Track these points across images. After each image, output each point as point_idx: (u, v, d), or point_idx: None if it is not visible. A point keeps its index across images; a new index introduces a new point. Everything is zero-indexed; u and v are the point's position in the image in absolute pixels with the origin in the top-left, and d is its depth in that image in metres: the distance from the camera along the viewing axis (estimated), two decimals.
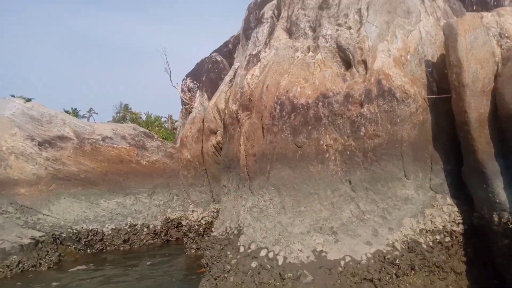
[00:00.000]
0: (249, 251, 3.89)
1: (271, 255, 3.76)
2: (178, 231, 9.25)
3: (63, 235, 7.98)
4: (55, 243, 7.78)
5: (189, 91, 15.15)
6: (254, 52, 5.55)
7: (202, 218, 7.12)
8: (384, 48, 4.29)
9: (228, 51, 14.77)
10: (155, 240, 8.67)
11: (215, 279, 3.84)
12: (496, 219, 3.50)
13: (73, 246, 8.04)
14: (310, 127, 4.27)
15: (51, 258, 7.12)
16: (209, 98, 12.79)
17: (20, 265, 6.65)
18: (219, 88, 7.52)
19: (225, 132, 5.64)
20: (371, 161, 4.04)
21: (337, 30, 4.61)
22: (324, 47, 4.61)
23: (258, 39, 5.70)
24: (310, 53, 4.65)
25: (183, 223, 7.18)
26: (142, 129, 10.53)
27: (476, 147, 3.61)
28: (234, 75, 6.62)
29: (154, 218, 8.85)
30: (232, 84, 6.87)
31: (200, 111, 13.12)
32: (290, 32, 5.02)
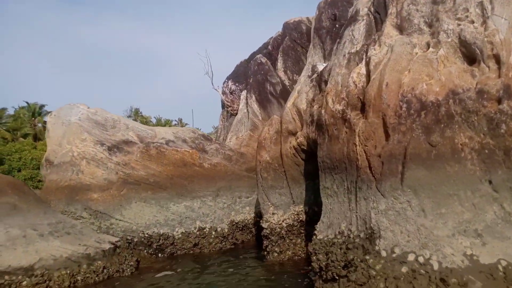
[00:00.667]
0: (394, 255, 3.73)
1: (421, 259, 3.60)
2: (242, 234, 9.17)
3: (135, 240, 7.93)
4: (129, 248, 7.74)
5: (231, 93, 15.08)
6: (353, 50, 5.40)
7: (283, 221, 6.98)
8: None
9: (268, 52, 14.69)
10: (223, 243, 8.57)
11: (360, 285, 3.69)
12: None
13: (145, 251, 7.99)
14: (442, 125, 4.10)
15: (130, 263, 7.05)
16: (257, 100, 12.75)
17: (105, 270, 6.59)
18: (295, 89, 7.38)
19: (322, 133, 5.50)
20: None
21: (459, 24, 4.45)
22: (445, 42, 4.45)
23: (354, 37, 5.54)
24: (431, 49, 4.49)
25: (263, 226, 7.04)
26: (201, 132, 10.47)
27: None
28: (319, 75, 6.48)
29: (221, 221, 8.75)
30: (316, 84, 6.74)
31: (245, 113, 13.09)
32: (401, 29, 4.86)
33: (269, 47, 15.44)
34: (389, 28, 4.92)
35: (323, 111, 5.50)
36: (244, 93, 13.59)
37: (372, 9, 5.60)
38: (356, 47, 5.44)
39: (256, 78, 12.92)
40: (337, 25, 7.35)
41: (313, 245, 5.18)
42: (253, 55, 15.62)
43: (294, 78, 13.79)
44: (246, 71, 15.61)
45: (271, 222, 7.00)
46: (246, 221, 9.15)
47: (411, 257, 3.67)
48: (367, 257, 3.89)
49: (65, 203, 7.58)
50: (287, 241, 7.01)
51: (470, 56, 4.46)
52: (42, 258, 6.12)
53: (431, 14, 4.71)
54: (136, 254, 7.60)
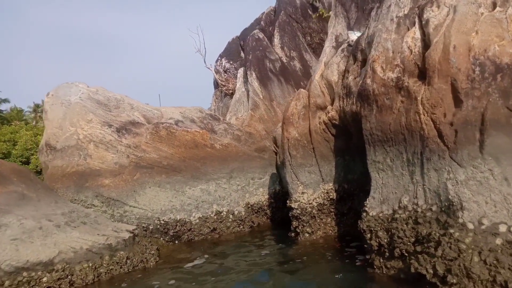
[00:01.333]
0: (483, 227, 3.50)
1: None
2: (257, 216, 8.84)
3: (151, 227, 7.42)
4: (146, 236, 7.24)
5: (225, 72, 14.49)
6: (401, 14, 5.05)
7: (313, 200, 6.68)
8: None
9: (261, 28, 14.10)
10: (241, 227, 8.21)
11: (450, 260, 3.45)
12: None
13: (161, 238, 7.51)
14: None
15: (151, 252, 6.56)
16: (257, 78, 12.23)
17: (129, 261, 6.07)
18: (320, 61, 6.97)
19: (367, 105, 5.17)
20: None
21: None
22: None
23: (400, 0, 5.20)
24: (498, 8, 4.23)
25: (293, 206, 6.71)
26: (208, 111, 9.91)
27: None
28: (355, 44, 6.11)
29: (237, 204, 8.37)
30: (348, 54, 6.37)
31: (243, 91, 12.57)
32: None
33: (262, 23, 14.86)
34: None
35: (368, 81, 5.15)
36: (240, 71, 13.04)
37: None
38: (404, 11, 5.09)
39: (255, 55, 12.38)
40: None
41: (366, 222, 4.91)
42: (245, 31, 15.00)
43: (291, 54, 13.37)
44: (239, 48, 15.02)
45: (301, 202, 6.68)
46: (260, 203, 8.80)
47: (502, 228, 3.45)
48: (451, 230, 3.64)
49: (74, 191, 6.92)
50: (318, 220, 6.73)
51: None
52: (61, 251, 5.53)
53: None
54: (154, 242, 7.12)
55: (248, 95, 12.25)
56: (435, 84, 4.28)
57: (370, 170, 5.16)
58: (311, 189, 6.72)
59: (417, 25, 4.82)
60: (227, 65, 14.13)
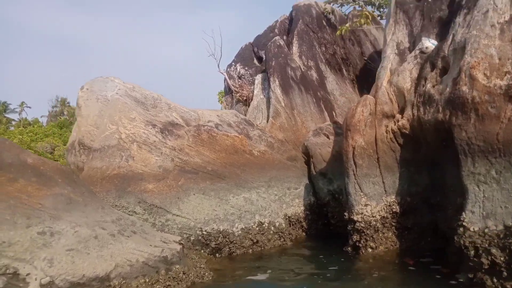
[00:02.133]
0: None
1: None
2: (294, 229, 8.35)
3: (192, 238, 6.76)
4: (189, 248, 6.57)
5: (239, 78, 14.02)
6: (502, 20, 4.86)
7: (377, 212, 6.31)
8: None
9: (274, 37, 13.82)
10: (282, 240, 7.69)
11: None
12: None
13: (202, 250, 6.86)
14: None
15: (202, 266, 5.91)
16: (280, 85, 11.86)
17: (185, 276, 5.41)
18: (385, 67, 6.67)
19: (462, 113, 4.90)
20: None
21: None
22: None
23: (497, 6, 5.01)
24: None
25: (355, 218, 6.30)
26: (242, 116, 9.39)
27: None
28: (435, 52, 5.87)
29: (277, 215, 7.85)
30: (422, 62, 6.12)
31: (262, 98, 12.16)
32: None
33: (276, 30, 14.61)
34: None
35: (464, 88, 4.89)
36: (258, 77, 12.62)
37: None
38: (505, 17, 4.90)
39: (278, 61, 12.00)
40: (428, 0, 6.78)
41: (468, 238, 4.58)
42: (259, 38, 14.68)
43: (309, 63, 13.10)
44: (252, 55, 14.62)
45: (365, 214, 6.28)
46: (297, 214, 8.34)
47: None
48: None
49: (115, 196, 6.16)
50: (380, 234, 6.35)
51: None
52: (118, 264, 4.82)
53: None
54: (199, 255, 6.47)
55: (267, 102, 11.85)
56: None
57: (467, 183, 4.85)
58: (374, 201, 6.35)
59: None
60: (242, 71, 13.67)
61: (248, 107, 12.72)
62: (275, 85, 11.68)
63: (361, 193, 6.35)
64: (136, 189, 6.33)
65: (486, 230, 4.47)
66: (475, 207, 4.71)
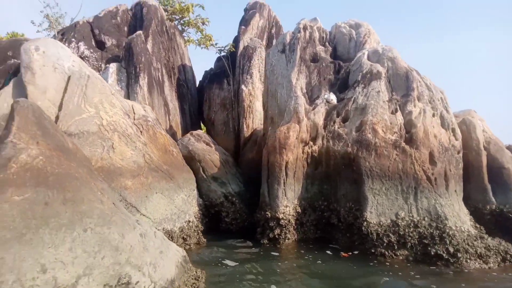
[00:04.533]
0: (458, 227, 7.10)
1: None
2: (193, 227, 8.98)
3: None
4: None
5: (81, 59, 12.47)
6: (386, 99, 8.26)
7: (292, 212, 8.38)
8: None
9: (116, 24, 13.46)
10: (198, 238, 8.30)
11: (454, 244, 6.78)
12: None
13: None
14: None
15: None
16: (147, 84, 11.68)
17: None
18: (300, 104, 8.90)
19: (367, 150, 7.89)
20: None
21: None
22: None
23: (382, 89, 8.40)
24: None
25: (280, 216, 8.09)
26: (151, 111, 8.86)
27: None
28: (343, 105, 8.71)
29: (189, 215, 8.37)
30: (328, 108, 8.81)
31: (118, 90, 11.58)
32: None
33: (118, 19, 14.06)
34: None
35: (369, 135, 8.00)
36: (113, 66, 11.91)
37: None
38: (386, 98, 8.38)
39: (146, 59, 11.79)
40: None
41: (370, 228, 7.53)
42: (99, 20, 13.46)
43: (157, 66, 13.54)
44: (90, 35, 13.24)
45: (286, 213, 8.23)
46: (195, 214, 9.10)
47: (464, 226, 7.22)
48: (446, 230, 7.07)
49: None
50: (291, 228, 8.46)
51: None
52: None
53: None
54: None
55: (126, 96, 11.52)
56: (420, 149, 7.76)
57: (367, 194, 7.86)
58: (291, 203, 8.43)
59: (399, 111, 8.23)
60: (87, 52, 12.20)
61: None
62: (144, 83, 11.55)
63: (285, 197, 8.29)
64: (118, 186, 5.63)
65: (380, 223, 7.57)
66: (372, 209, 7.76)
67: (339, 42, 10.95)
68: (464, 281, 6.13)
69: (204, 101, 16.62)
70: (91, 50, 12.28)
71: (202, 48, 16.73)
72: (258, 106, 15.30)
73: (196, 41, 15.07)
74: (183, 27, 16.49)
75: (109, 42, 12.55)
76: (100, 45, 12.72)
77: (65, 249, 2.80)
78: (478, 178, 8.73)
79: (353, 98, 8.71)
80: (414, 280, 6.09)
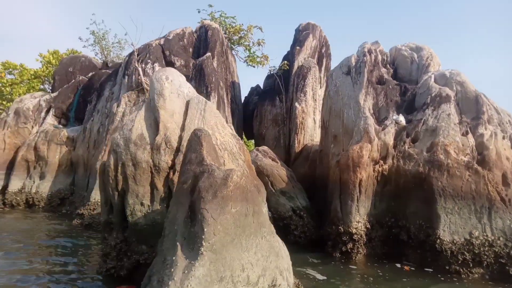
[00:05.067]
0: None
1: None
2: None
3: None
4: None
5: None
6: (457, 121, 8.67)
7: (363, 227, 8.84)
8: None
9: (183, 46, 14.39)
10: None
11: None
12: None
13: None
14: None
15: None
16: (217, 103, 12.52)
17: None
18: (370, 125, 9.43)
19: (438, 170, 8.30)
20: None
21: None
22: None
23: (452, 112, 8.83)
24: None
25: (353, 231, 8.56)
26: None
27: None
28: (413, 126, 9.17)
29: None
30: (397, 128, 9.29)
31: None
32: None
33: (185, 41, 15.02)
34: None
35: (441, 156, 8.38)
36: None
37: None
38: (456, 120, 8.77)
39: (216, 79, 12.65)
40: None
41: (444, 245, 7.88)
42: (169, 42, 14.48)
43: (220, 85, 14.39)
44: (162, 56, 14.24)
45: (358, 228, 8.69)
46: None
47: None
48: None
49: None
50: (362, 243, 8.90)
51: None
52: None
53: None
54: None
55: None
56: (493, 171, 8.08)
57: (440, 212, 8.21)
58: (362, 219, 8.88)
59: (470, 133, 8.60)
60: None
61: None
62: (214, 101, 12.42)
63: (358, 213, 8.76)
64: None
65: (454, 241, 7.90)
66: (445, 227, 8.11)
67: (400, 64, 11.42)
68: None
69: (255, 117, 17.42)
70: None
71: (255, 66, 17.58)
72: (309, 123, 15.94)
73: (257, 61, 15.82)
74: (239, 45, 17.40)
75: (178, 62, 13.51)
76: (170, 65, 13.70)
77: (252, 253, 3.41)
78: None
79: (423, 120, 9.15)
80: None
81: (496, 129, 8.60)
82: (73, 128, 15.69)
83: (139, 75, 12.67)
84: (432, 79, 9.80)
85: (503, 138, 8.58)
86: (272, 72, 17.65)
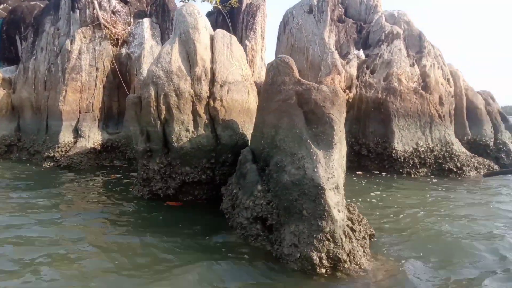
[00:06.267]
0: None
1: None
2: None
3: None
4: None
5: (113, 13, 12.82)
6: (405, 55, 10.56)
7: None
8: None
9: None
10: None
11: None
12: None
13: None
14: None
15: None
16: None
17: None
18: (336, 59, 10.81)
19: (393, 96, 10.24)
20: None
21: None
22: None
23: (403, 48, 10.65)
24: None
25: None
26: None
27: None
28: (371, 59, 10.85)
29: None
30: (359, 62, 10.89)
31: (154, 45, 12.31)
32: None
33: None
34: None
35: (395, 84, 10.32)
36: (146, 21, 12.38)
37: None
38: (405, 54, 10.69)
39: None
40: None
41: (400, 153, 10.10)
42: None
43: None
44: None
45: None
46: None
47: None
48: (452, 151, 9.89)
49: None
50: None
51: None
52: None
53: None
54: None
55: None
56: (433, 94, 10.31)
57: (394, 129, 10.28)
58: None
59: (415, 65, 10.63)
60: (118, 7, 12.49)
61: (118, 47, 12.30)
62: None
63: None
64: None
65: (405, 150, 10.13)
66: (398, 141, 10.26)
67: (350, 4, 12.83)
68: (467, 182, 9.04)
69: None
70: (121, 5, 12.58)
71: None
72: (258, 60, 16.84)
73: None
74: None
75: None
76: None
77: None
78: (460, 116, 11.67)
79: (379, 54, 10.88)
80: (432, 181, 8.84)
81: (433, 60, 10.77)
82: (6, 69, 14.15)
83: (94, 9, 11.87)
84: (383, 19, 11.45)
85: (438, 68, 10.81)
86: (214, 9, 17.65)
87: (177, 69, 6.31)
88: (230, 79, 6.62)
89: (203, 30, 6.57)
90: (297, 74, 4.74)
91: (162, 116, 6.38)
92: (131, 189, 7.28)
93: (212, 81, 6.58)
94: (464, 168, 9.65)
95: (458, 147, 10.10)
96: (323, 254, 3.52)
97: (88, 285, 3.42)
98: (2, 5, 16.98)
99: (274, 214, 4.19)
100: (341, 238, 3.57)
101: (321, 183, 3.71)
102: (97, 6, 11.90)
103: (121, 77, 11.64)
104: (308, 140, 4.12)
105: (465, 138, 11.58)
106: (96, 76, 11.82)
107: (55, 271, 3.68)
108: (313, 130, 4.25)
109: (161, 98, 6.30)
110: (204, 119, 6.45)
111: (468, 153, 10.21)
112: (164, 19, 12.25)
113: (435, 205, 6.76)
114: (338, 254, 3.52)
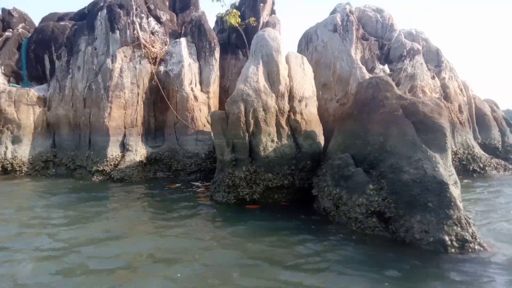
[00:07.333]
0: None
1: None
2: None
3: None
4: None
5: (152, 33, 13.50)
6: (429, 68, 11.78)
7: None
8: None
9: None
10: None
11: None
12: None
13: None
14: None
15: None
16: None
17: None
18: (364, 73, 11.92)
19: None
20: None
21: None
22: None
23: (424, 61, 11.88)
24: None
25: None
26: None
27: None
28: (397, 73, 12.04)
29: None
30: (383, 74, 12.06)
31: (193, 63, 13.09)
32: None
33: None
34: None
35: (420, 94, 11.51)
36: (183, 41, 13.09)
37: None
38: (427, 67, 11.93)
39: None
40: None
41: None
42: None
43: None
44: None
45: None
46: None
47: None
48: None
49: None
50: None
51: None
52: None
53: None
54: None
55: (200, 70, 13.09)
56: (453, 103, 11.54)
57: None
58: None
59: (436, 77, 11.87)
60: (156, 27, 13.17)
61: (156, 65, 12.99)
62: (218, 56, 13.22)
63: None
64: None
65: None
66: None
67: (367, 23, 14.05)
68: (490, 180, 10.23)
69: None
70: (159, 25, 13.27)
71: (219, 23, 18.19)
72: None
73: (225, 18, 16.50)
74: None
75: (164, 17, 13.61)
76: (157, 20, 13.61)
77: None
78: (471, 122, 13.01)
79: (403, 68, 12.06)
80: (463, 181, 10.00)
81: (450, 73, 12.06)
82: (39, 87, 14.55)
83: (134, 29, 12.56)
84: (402, 36, 12.69)
85: (454, 79, 12.11)
86: (225, 26, 18.52)
87: (263, 87, 7.17)
88: (306, 95, 7.53)
89: (284, 52, 7.48)
90: (397, 90, 5.70)
91: (250, 129, 7.19)
92: (211, 196, 7.92)
93: (290, 97, 7.47)
94: (487, 168, 10.86)
95: (478, 150, 11.33)
96: (453, 237, 4.43)
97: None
98: (21, 24, 17.38)
99: (392, 208, 5.08)
100: (465, 223, 4.51)
101: (444, 179, 4.65)
102: (137, 27, 12.56)
103: (163, 93, 12.31)
104: (423, 145, 5.07)
105: (476, 141, 12.89)
106: (138, 93, 12.45)
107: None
108: (422, 137, 5.20)
109: (250, 113, 7.12)
110: (286, 131, 7.31)
111: (486, 154, 11.45)
112: (201, 39, 13.03)
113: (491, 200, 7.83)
114: (465, 236, 4.45)
